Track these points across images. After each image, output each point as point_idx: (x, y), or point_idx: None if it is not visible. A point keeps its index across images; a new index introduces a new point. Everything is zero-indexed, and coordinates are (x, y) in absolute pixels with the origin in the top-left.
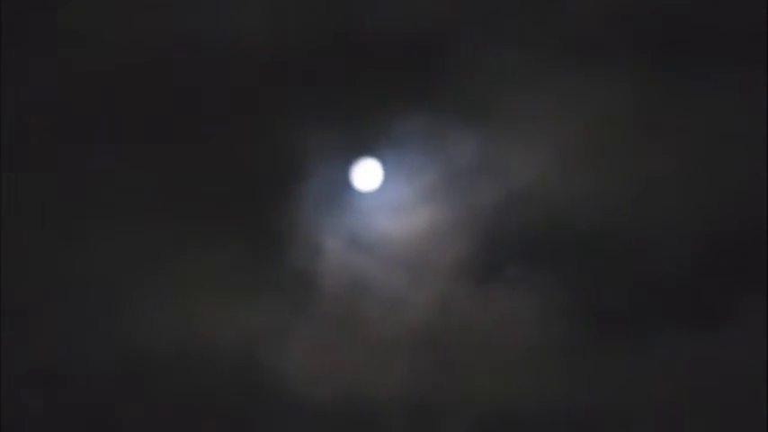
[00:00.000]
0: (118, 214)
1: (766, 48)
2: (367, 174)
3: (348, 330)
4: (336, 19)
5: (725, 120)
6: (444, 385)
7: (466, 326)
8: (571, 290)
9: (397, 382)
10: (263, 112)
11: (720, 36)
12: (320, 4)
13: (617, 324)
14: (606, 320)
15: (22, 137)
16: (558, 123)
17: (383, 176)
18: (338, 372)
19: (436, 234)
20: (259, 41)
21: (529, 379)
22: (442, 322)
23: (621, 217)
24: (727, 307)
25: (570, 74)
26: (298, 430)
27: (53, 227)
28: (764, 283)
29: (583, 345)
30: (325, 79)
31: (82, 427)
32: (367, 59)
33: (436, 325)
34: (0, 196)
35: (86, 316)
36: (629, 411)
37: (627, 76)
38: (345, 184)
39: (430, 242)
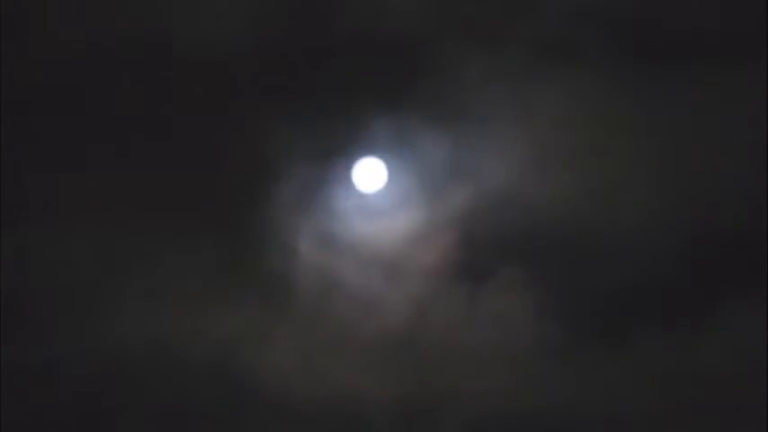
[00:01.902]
0: (93, 216)
1: (743, 48)
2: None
3: (327, 332)
4: (312, 23)
5: (701, 120)
6: (425, 386)
7: (445, 327)
8: (552, 291)
9: (378, 383)
10: (237, 113)
11: (695, 36)
12: (298, 8)
13: (598, 325)
14: (587, 322)
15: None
16: (534, 124)
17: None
18: (322, 374)
19: (415, 236)
20: (239, 45)
21: (510, 380)
22: (422, 324)
23: (600, 217)
24: (709, 307)
25: (546, 75)
26: (275, 431)
27: (29, 229)
28: (746, 284)
29: (565, 346)
30: (301, 82)
31: (61, 428)
32: (343, 63)
33: (416, 327)
34: None
35: (65, 318)
36: (612, 412)
37: (601, 77)
38: (322, 186)
39: (409, 244)
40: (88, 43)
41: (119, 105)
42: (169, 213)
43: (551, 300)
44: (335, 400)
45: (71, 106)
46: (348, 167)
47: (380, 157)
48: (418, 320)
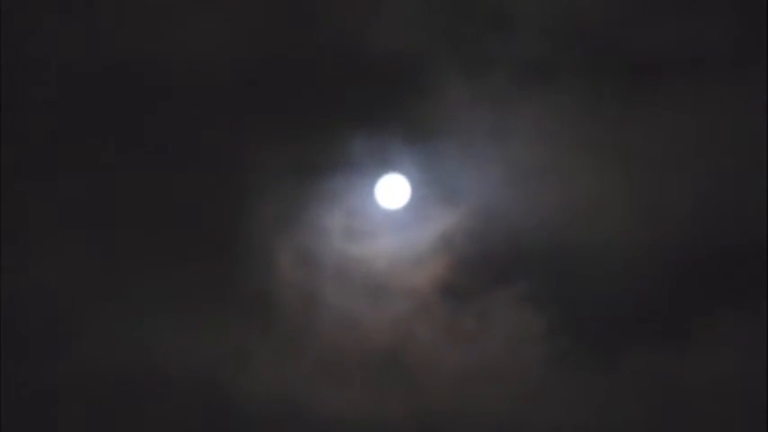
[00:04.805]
0: (73, 238)
1: (718, 65)
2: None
3: (307, 349)
4: (297, 40)
5: (678, 135)
6: (418, 407)
7: (432, 347)
8: (538, 310)
9: (371, 404)
10: (216, 133)
11: (670, 54)
12: (287, 24)
13: (593, 341)
14: (581, 338)
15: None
16: (518, 145)
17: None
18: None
19: (400, 257)
20: (217, 65)
21: (508, 398)
22: (407, 344)
23: (581, 236)
24: (702, 320)
25: (527, 95)
26: None
27: (13, 254)
28: (734, 298)
29: (555, 364)
30: (278, 101)
31: None
32: (325, 82)
33: (400, 346)
34: None
35: (42, 338)
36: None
37: (576, 97)
38: (307, 204)
39: (394, 265)
40: (59, 59)
41: (101, 125)
42: (162, 235)
43: (540, 318)
44: (332, 420)
45: (49, 124)
46: (334, 186)
47: (366, 176)
48: (404, 341)
